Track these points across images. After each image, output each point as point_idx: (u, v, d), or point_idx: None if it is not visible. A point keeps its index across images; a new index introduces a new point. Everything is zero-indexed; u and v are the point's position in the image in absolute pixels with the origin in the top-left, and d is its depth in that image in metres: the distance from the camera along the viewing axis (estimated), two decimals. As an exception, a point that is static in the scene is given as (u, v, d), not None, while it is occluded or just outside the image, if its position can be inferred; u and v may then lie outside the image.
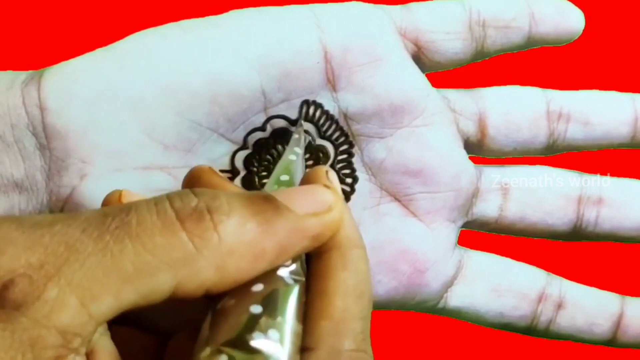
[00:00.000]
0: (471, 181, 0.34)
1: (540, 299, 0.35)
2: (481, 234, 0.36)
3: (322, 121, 0.33)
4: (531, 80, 0.35)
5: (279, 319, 0.23)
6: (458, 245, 0.35)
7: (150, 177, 0.31)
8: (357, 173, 0.33)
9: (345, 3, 0.33)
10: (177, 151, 0.31)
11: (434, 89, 0.34)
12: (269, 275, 0.24)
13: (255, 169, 0.33)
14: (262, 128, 0.32)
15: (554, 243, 0.36)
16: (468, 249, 0.35)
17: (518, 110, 0.35)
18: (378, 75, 0.32)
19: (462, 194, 0.34)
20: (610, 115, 0.35)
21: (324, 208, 0.25)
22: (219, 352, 0.22)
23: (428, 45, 0.33)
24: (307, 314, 0.24)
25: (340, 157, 0.33)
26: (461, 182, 0.34)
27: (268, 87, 0.32)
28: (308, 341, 0.24)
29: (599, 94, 0.35)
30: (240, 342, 0.22)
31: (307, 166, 0.33)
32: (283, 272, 0.24)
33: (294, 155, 0.29)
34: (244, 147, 0.32)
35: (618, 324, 0.35)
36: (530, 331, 0.35)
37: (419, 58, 0.34)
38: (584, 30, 0.34)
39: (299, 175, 0.28)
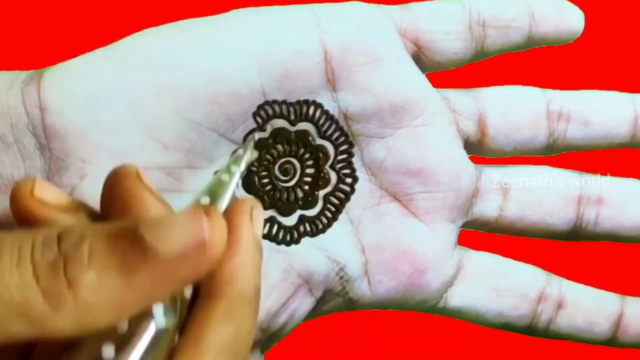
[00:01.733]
0: (471, 181, 0.34)
1: (540, 298, 0.35)
2: (481, 234, 0.36)
3: (322, 121, 0.33)
4: (531, 80, 0.35)
5: None
6: (458, 245, 0.35)
7: (150, 177, 0.31)
8: (357, 173, 0.33)
9: (345, 3, 0.33)
10: (177, 151, 0.31)
11: (434, 89, 0.34)
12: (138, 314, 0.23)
13: (255, 169, 0.33)
14: (262, 128, 0.32)
15: (554, 243, 0.36)
16: (468, 249, 0.35)
17: (518, 110, 0.35)
18: (378, 75, 0.32)
19: (462, 194, 0.34)
20: (610, 115, 0.35)
21: (196, 245, 0.23)
22: None
23: (428, 45, 0.33)
24: None
25: (340, 157, 0.33)
26: (461, 182, 0.34)
27: (268, 87, 0.32)
28: None
29: (599, 94, 0.35)
30: None
31: (306, 167, 0.33)
32: (156, 311, 0.23)
33: (227, 175, 0.26)
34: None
35: (618, 323, 0.35)
36: (530, 331, 0.35)
37: (419, 58, 0.34)
38: (584, 30, 0.34)
39: (226, 199, 0.26)
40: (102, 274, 0.22)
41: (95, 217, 0.26)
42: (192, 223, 0.23)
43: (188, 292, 0.24)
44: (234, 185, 0.26)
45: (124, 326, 0.23)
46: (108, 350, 0.22)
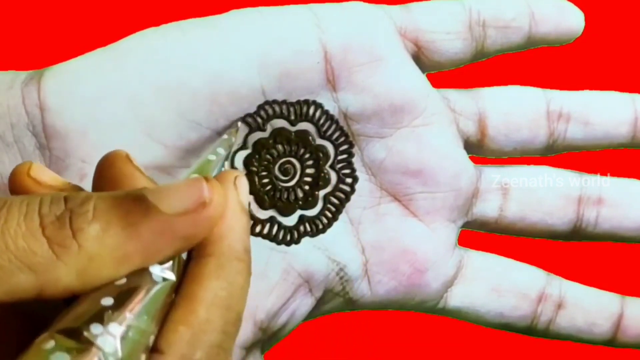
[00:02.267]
0: (471, 181, 0.34)
1: (540, 299, 0.35)
2: (481, 234, 0.36)
3: (322, 121, 0.33)
4: (531, 80, 0.35)
5: (127, 314, 0.23)
6: (458, 245, 0.35)
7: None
8: (357, 173, 0.33)
9: (345, 3, 0.33)
10: (177, 151, 0.31)
11: (434, 89, 0.34)
12: (138, 271, 0.24)
13: (255, 169, 0.33)
14: (262, 128, 0.32)
15: (554, 243, 0.36)
16: (468, 249, 0.35)
17: (518, 110, 0.35)
18: (378, 75, 0.32)
19: (462, 194, 0.34)
20: (610, 115, 0.35)
21: (197, 204, 0.24)
22: (51, 337, 0.22)
23: (428, 45, 0.33)
24: (168, 316, 0.24)
25: (340, 157, 0.33)
26: (461, 182, 0.34)
27: (268, 87, 0.32)
28: (160, 344, 0.23)
29: (599, 94, 0.35)
30: (74, 331, 0.22)
31: (306, 167, 0.33)
32: (154, 269, 0.24)
33: (213, 155, 0.29)
34: (243, 147, 0.32)
35: (618, 324, 0.35)
36: (530, 331, 0.35)
37: (419, 58, 0.34)
38: (584, 30, 0.34)
39: (213, 175, 0.27)
40: (106, 227, 0.23)
41: None
42: (193, 187, 0.24)
43: (184, 255, 0.25)
44: (220, 164, 0.28)
45: (123, 283, 0.23)
46: (107, 300, 0.23)
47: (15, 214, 0.23)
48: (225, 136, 0.30)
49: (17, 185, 0.26)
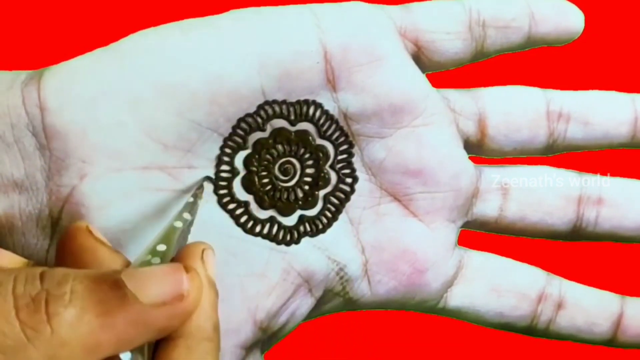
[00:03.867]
0: (471, 181, 0.34)
1: (540, 299, 0.35)
2: (481, 234, 0.36)
3: (322, 121, 0.33)
4: (531, 80, 0.35)
5: None
6: (458, 245, 0.35)
7: (150, 177, 0.31)
8: (357, 173, 0.33)
9: (345, 3, 0.33)
10: (177, 151, 0.31)
11: (434, 89, 0.34)
12: (108, 358, 0.23)
13: (255, 169, 0.33)
14: (262, 128, 0.32)
15: (554, 243, 0.36)
16: (468, 249, 0.35)
17: (518, 110, 0.35)
18: (378, 75, 0.32)
19: (462, 194, 0.34)
20: (610, 115, 0.35)
21: (174, 296, 0.24)
22: None
23: (428, 45, 0.33)
24: None
25: (340, 157, 0.33)
26: (461, 182, 0.34)
27: (268, 87, 0.32)
28: None
29: (599, 94, 0.35)
30: None
31: (306, 167, 0.33)
32: (124, 356, 0.24)
33: (180, 222, 0.28)
34: (244, 147, 0.32)
35: (618, 324, 0.35)
36: (530, 331, 0.35)
37: (419, 58, 0.34)
38: (584, 30, 0.34)
39: (179, 245, 0.27)
40: (81, 313, 0.23)
41: None
42: (172, 277, 0.24)
43: None
44: (186, 231, 0.28)
45: None
46: None
47: None
48: (190, 199, 0.30)
49: None
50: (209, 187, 0.32)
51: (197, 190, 0.31)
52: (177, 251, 0.27)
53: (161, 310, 0.24)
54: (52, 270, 0.24)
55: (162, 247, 0.26)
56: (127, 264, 0.26)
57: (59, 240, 0.27)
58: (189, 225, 0.29)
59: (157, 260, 0.26)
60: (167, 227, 0.28)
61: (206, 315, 0.25)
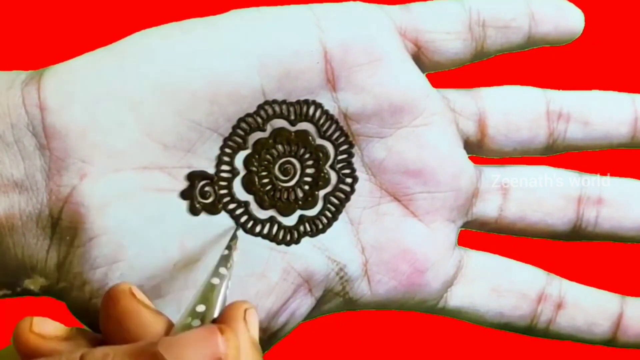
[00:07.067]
0: (471, 181, 0.34)
1: (540, 299, 0.35)
2: (481, 234, 0.36)
3: (322, 121, 0.33)
4: (531, 80, 0.35)
5: None
6: (458, 245, 0.35)
7: (150, 177, 0.31)
8: (357, 173, 0.33)
9: (345, 3, 0.33)
10: (177, 151, 0.31)
11: (434, 89, 0.34)
12: None
13: (255, 169, 0.33)
14: (262, 128, 0.32)
15: (554, 243, 0.36)
16: (468, 249, 0.35)
17: (518, 110, 0.35)
18: (378, 75, 0.32)
19: (461, 194, 0.34)
20: (610, 115, 0.35)
21: None
22: None
23: (428, 45, 0.33)
24: None
25: (340, 157, 0.33)
26: (461, 182, 0.34)
27: (268, 87, 0.32)
28: None
29: (599, 94, 0.35)
30: None
31: (306, 167, 0.33)
32: None
33: (217, 278, 0.28)
34: (244, 147, 0.32)
35: (618, 324, 0.35)
36: (530, 331, 0.35)
37: (419, 58, 0.34)
38: (584, 30, 0.34)
39: (219, 302, 0.27)
40: None
41: (94, 340, 0.27)
42: (208, 341, 0.24)
43: None
44: (225, 288, 0.28)
45: None
46: None
47: None
48: (225, 252, 0.30)
49: (22, 344, 0.26)
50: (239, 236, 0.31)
51: (231, 242, 0.30)
52: (218, 309, 0.27)
53: None
54: (92, 351, 0.24)
55: (201, 308, 0.26)
56: (170, 326, 0.27)
57: (102, 302, 0.27)
58: (226, 280, 0.28)
59: (197, 322, 0.26)
60: (205, 285, 0.27)
61: None
